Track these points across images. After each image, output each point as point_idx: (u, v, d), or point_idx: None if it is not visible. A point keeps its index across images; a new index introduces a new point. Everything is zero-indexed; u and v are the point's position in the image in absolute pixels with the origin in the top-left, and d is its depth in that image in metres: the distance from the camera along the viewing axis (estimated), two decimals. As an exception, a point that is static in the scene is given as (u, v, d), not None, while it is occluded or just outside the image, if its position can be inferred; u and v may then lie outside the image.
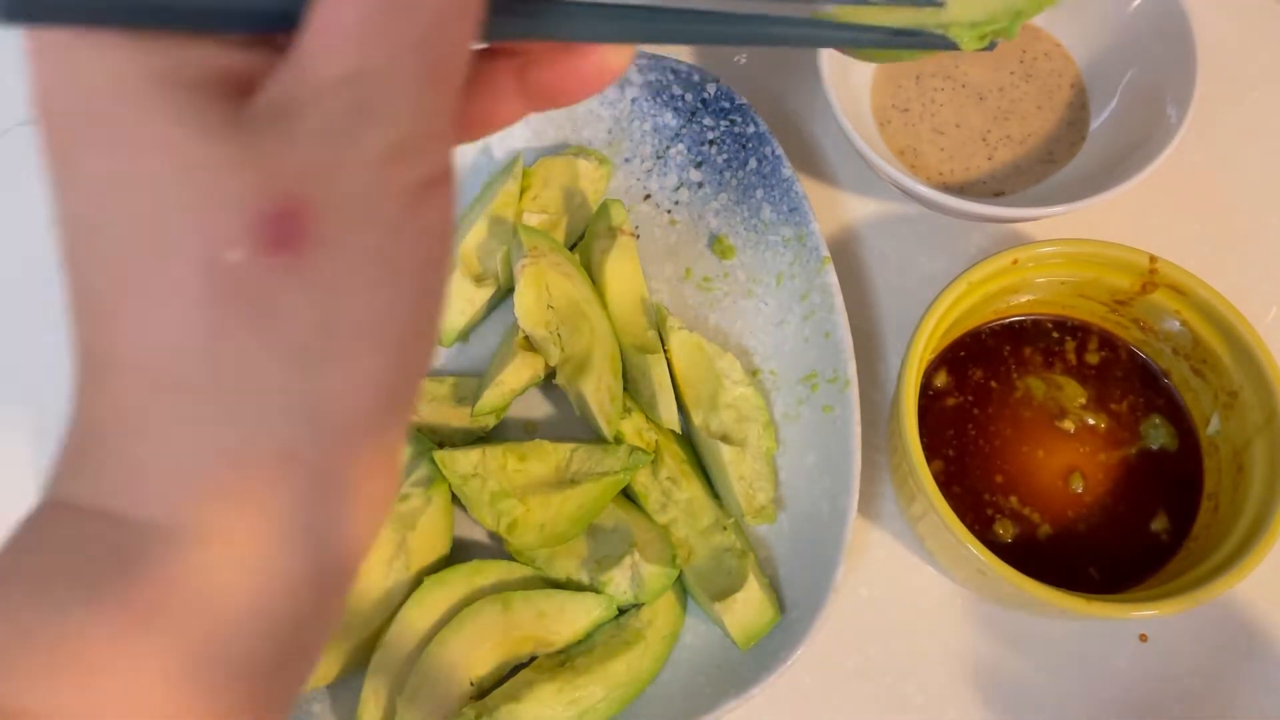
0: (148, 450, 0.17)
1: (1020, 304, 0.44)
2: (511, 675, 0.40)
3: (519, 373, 0.43)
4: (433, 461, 0.42)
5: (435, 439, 0.44)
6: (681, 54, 0.50)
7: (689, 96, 0.48)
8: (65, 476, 0.18)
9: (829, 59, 0.45)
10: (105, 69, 0.16)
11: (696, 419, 0.44)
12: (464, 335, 0.47)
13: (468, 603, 0.41)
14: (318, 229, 0.16)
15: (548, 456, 0.43)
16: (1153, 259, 0.40)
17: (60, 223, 0.18)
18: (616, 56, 0.21)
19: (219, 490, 0.17)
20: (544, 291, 0.44)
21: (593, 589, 0.41)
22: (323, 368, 0.17)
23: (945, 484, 0.42)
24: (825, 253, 0.44)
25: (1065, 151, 0.48)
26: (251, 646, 0.17)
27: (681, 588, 0.43)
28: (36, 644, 0.16)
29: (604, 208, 0.47)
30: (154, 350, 0.16)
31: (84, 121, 0.16)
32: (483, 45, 0.20)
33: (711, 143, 0.48)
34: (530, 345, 0.44)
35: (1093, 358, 0.44)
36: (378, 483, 0.18)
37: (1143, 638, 0.43)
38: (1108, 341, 0.44)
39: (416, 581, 0.41)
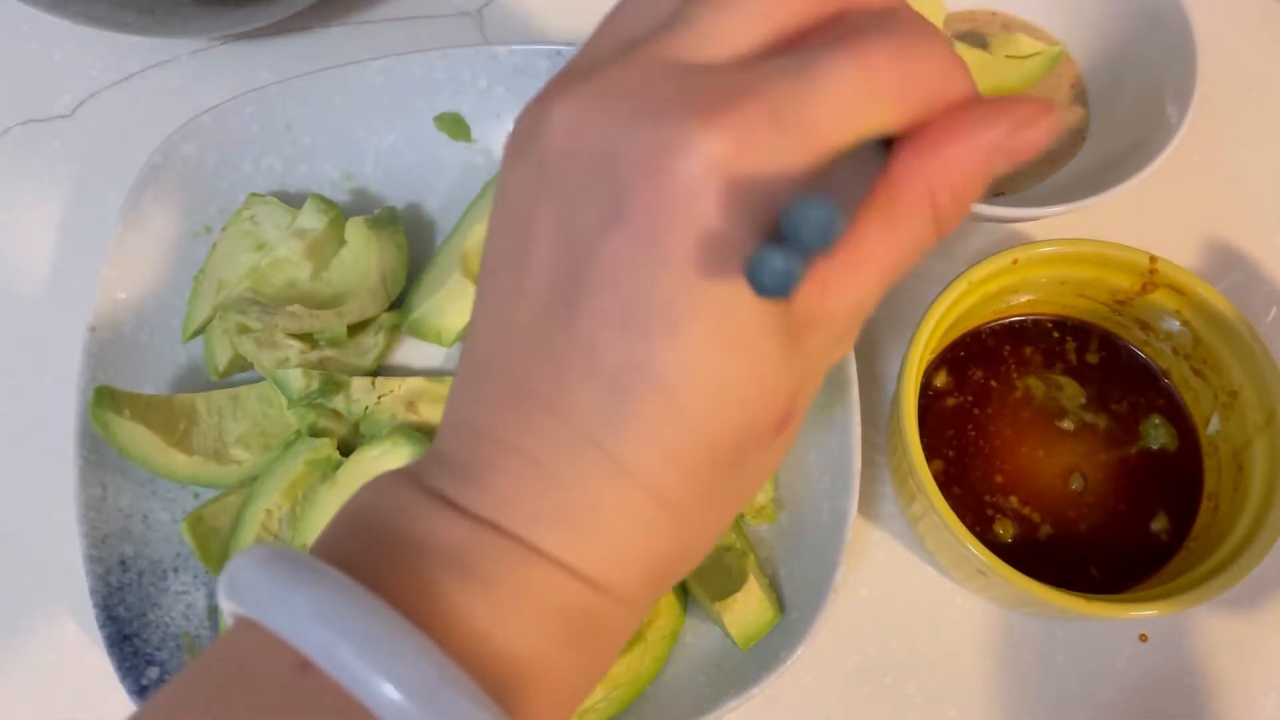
0: (631, 545, 0.21)
1: (1020, 304, 0.44)
2: (511, 675, 0.40)
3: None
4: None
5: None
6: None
7: (689, 96, 0.48)
8: (526, 513, 0.21)
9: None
10: (619, 121, 0.20)
11: (696, 419, 0.44)
12: (464, 335, 0.47)
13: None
14: (793, 425, 0.22)
15: (548, 456, 0.43)
16: (1153, 259, 0.40)
17: (644, 357, 0.20)
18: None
19: (656, 588, 0.23)
20: (544, 291, 0.44)
21: (593, 589, 0.41)
22: (733, 504, 0.23)
23: (945, 484, 0.42)
24: (825, 253, 0.44)
25: (1065, 152, 0.48)
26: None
27: (681, 588, 0.43)
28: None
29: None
30: (669, 482, 0.21)
31: (598, 169, 0.20)
32: None
33: (711, 143, 0.48)
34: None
35: (1093, 357, 0.44)
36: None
37: (1143, 638, 0.43)
38: (1108, 341, 0.44)
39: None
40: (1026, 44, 0.48)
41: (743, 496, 0.23)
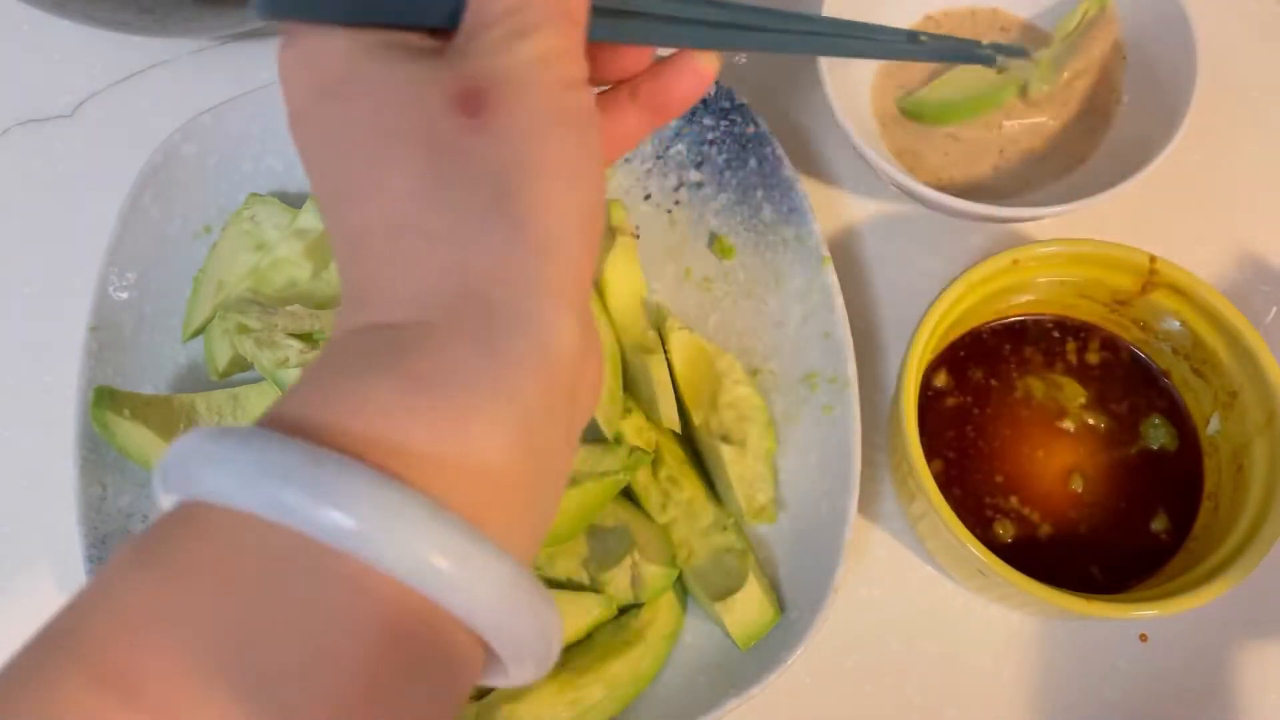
0: (397, 274, 0.22)
1: (1020, 304, 0.44)
2: (511, 675, 0.40)
3: None
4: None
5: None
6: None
7: (689, 96, 0.48)
8: (342, 320, 0.23)
9: (829, 60, 0.45)
10: (340, 42, 0.23)
11: (696, 419, 0.44)
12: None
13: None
14: (494, 101, 0.22)
15: (548, 456, 0.43)
16: (1153, 259, 0.40)
17: (306, 148, 0.24)
18: (706, 61, 0.29)
19: (453, 293, 0.22)
20: (544, 291, 0.44)
21: (593, 589, 0.41)
22: (517, 195, 0.22)
23: (945, 484, 0.42)
24: (825, 253, 0.44)
25: (1076, 162, 0.48)
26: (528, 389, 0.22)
27: (681, 588, 0.43)
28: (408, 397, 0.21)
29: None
30: (395, 205, 0.22)
31: (320, 74, 0.23)
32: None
33: (711, 143, 0.48)
34: None
35: (1093, 358, 0.44)
36: (579, 295, 0.23)
37: (1143, 638, 0.43)
38: (1108, 341, 0.44)
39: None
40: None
41: (496, 182, 0.22)
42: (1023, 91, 0.47)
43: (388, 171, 0.22)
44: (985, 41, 0.41)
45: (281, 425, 0.20)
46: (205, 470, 0.19)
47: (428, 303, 0.22)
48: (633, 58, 0.29)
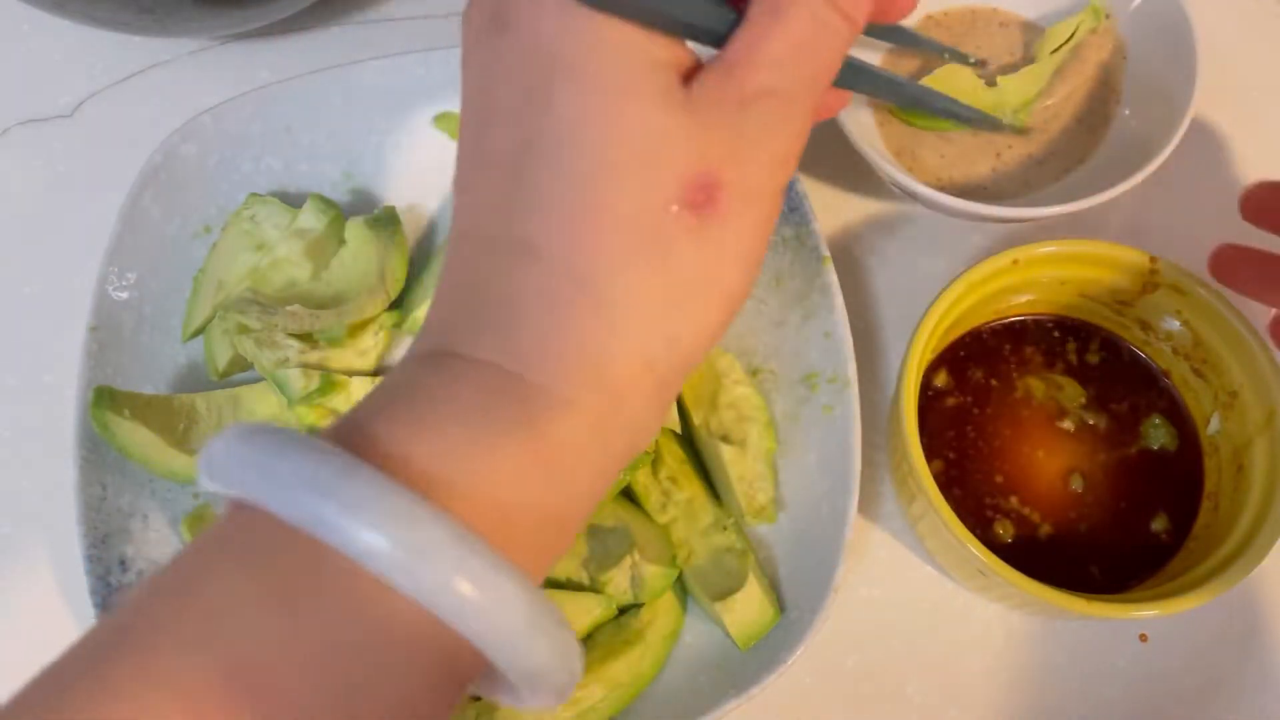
0: (550, 328, 0.21)
1: (1020, 304, 0.44)
2: (511, 675, 0.40)
3: None
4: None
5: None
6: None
7: (689, 96, 0.48)
8: (462, 332, 0.22)
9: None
10: (623, 39, 0.21)
11: (696, 419, 0.44)
12: None
13: (468, 603, 0.41)
14: (724, 204, 0.21)
15: (548, 456, 0.43)
16: (1153, 259, 0.40)
17: (535, 133, 0.22)
18: None
19: (595, 381, 0.21)
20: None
21: (593, 589, 0.41)
22: (688, 308, 0.22)
23: (945, 484, 0.42)
24: (825, 253, 0.44)
25: (1075, 162, 0.47)
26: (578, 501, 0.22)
27: (681, 588, 0.43)
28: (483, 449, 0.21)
29: (604, 208, 0.47)
30: (577, 255, 0.21)
31: (595, 70, 0.21)
32: None
33: (711, 143, 0.48)
34: None
35: (1093, 358, 0.44)
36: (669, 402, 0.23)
37: (1143, 638, 0.43)
38: (1108, 341, 0.44)
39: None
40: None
41: (681, 289, 0.22)
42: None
43: (592, 210, 0.21)
44: (965, 103, 0.40)
45: (360, 437, 0.20)
46: (260, 478, 0.20)
47: (567, 373, 0.21)
48: None
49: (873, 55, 0.49)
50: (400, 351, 0.47)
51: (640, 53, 0.22)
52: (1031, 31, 0.49)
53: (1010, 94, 0.47)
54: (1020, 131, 0.47)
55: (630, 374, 0.22)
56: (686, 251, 0.21)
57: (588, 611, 0.41)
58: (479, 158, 0.23)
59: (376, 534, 0.18)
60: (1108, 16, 0.47)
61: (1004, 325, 0.44)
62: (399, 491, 0.19)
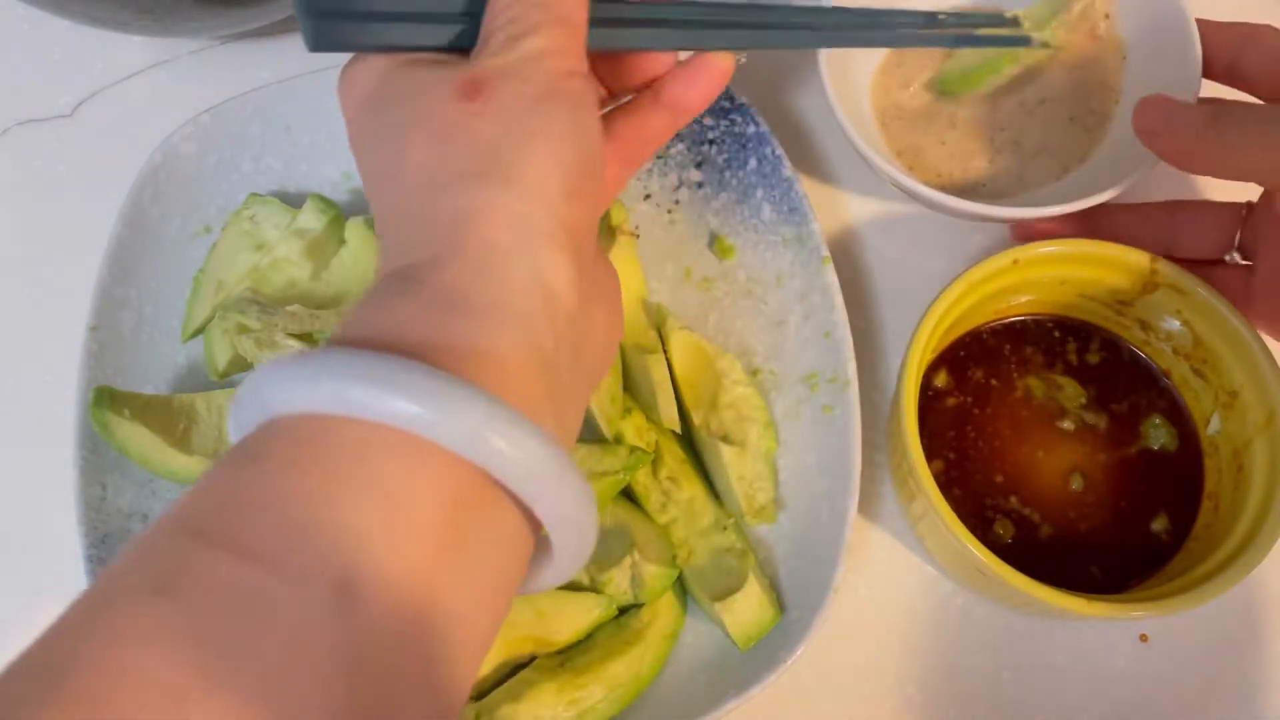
0: (413, 228, 0.26)
1: (1020, 304, 0.44)
2: (511, 675, 0.40)
3: None
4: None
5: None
6: (680, 54, 0.50)
7: (689, 96, 0.48)
8: (376, 277, 0.26)
9: (828, 59, 0.45)
10: (379, 63, 0.29)
11: (696, 419, 0.44)
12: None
13: (468, 603, 0.41)
14: (491, 88, 0.26)
15: (548, 456, 0.43)
16: (1153, 259, 0.40)
17: (356, 150, 0.29)
18: (722, 60, 0.32)
19: (456, 231, 0.25)
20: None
21: (593, 589, 0.41)
22: (508, 156, 0.26)
23: (945, 484, 0.42)
24: (825, 253, 0.44)
25: (1075, 162, 0.47)
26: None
27: (681, 588, 0.43)
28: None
29: (604, 208, 0.47)
30: (414, 178, 0.26)
31: (362, 89, 0.28)
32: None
33: (711, 142, 0.48)
34: None
35: (1093, 358, 0.44)
36: (569, 240, 0.26)
37: (1143, 638, 0.43)
38: (1108, 342, 0.44)
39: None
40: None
41: (503, 141, 0.26)
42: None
43: (409, 153, 0.27)
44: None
45: (338, 345, 0.23)
46: (284, 386, 0.22)
47: (436, 243, 0.25)
48: (655, 64, 0.32)
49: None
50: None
51: (396, 64, 0.28)
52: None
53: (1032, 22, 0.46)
54: (1048, 45, 0.46)
55: (485, 229, 0.25)
56: (483, 126, 0.26)
57: (588, 611, 0.41)
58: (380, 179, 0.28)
59: (410, 403, 0.21)
60: (1107, 16, 0.47)
61: (1004, 325, 0.44)
62: (417, 367, 0.22)
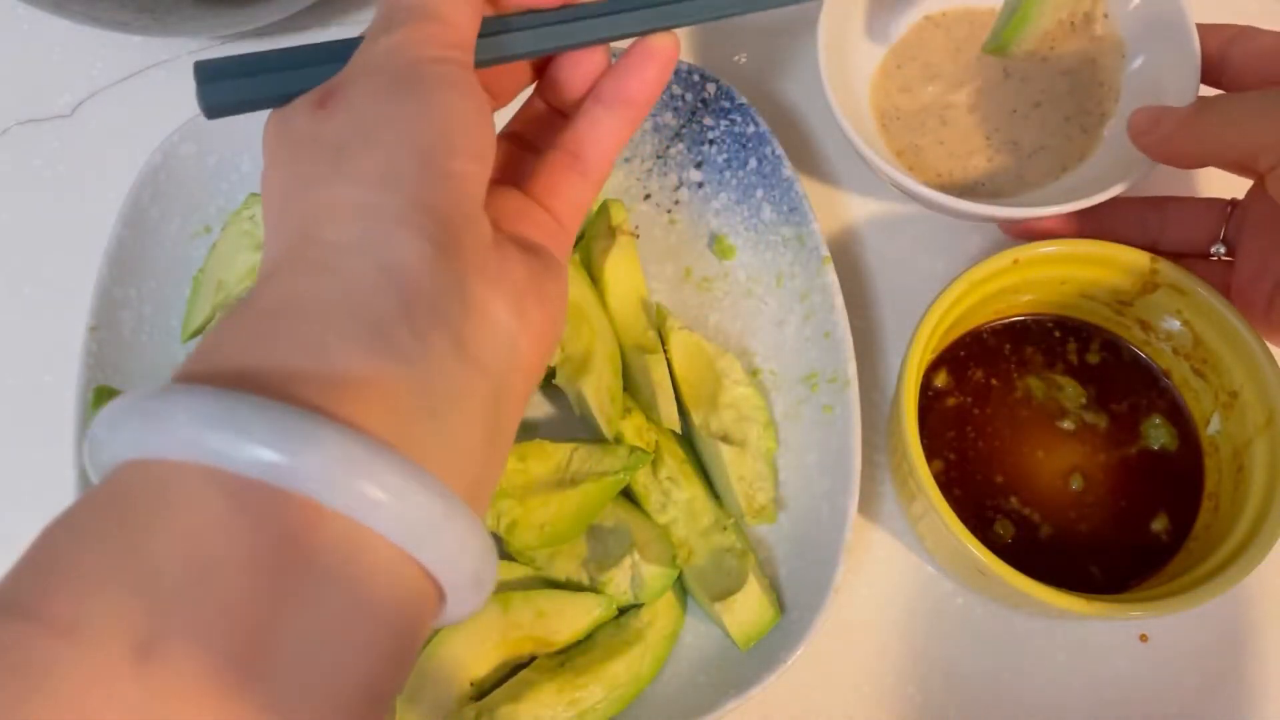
0: (266, 255, 0.26)
1: (1021, 304, 0.44)
2: (511, 675, 0.40)
3: None
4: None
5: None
6: (682, 54, 0.50)
7: (689, 96, 0.48)
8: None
9: (828, 58, 0.45)
10: (267, 122, 0.28)
11: (696, 419, 0.44)
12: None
13: (468, 603, 0.41)
14: (339, 90, 0.27)
15: (547, 456, 0.43)
16: (1153, 259, 0.40)
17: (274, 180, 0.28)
18: (660, 43, 0.30)
19: (297, 241, 0.25)
20: (544, 291, 0.44)
21: (593, 589, 0.41)
22: (352, 150, 0.25)
23: (945, 484, 0.42)
24: (825, 253, 0.44)
25: (1074, 161, 0.47)
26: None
27: (681, 588, 0.43)
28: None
29: (604, 207, 0.47)
30: (272, 206, 0.27)
31: (264, 148, 0.28)
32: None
33: (711, 143, 0.48)
34: None
35: (1094, 358, 0.44)
36: (427, 221, 0.25)
37: (1143, 638, 0.43)
38: (1109, 342, 0.44)
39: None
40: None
41: (357, 140, 0.26)
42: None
43: (269, 182, 0.27)
44: None
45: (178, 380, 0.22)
46: (137, 430, 0.21)
47: (278, 256, 0.25)
48: (586, 65, 0.31)
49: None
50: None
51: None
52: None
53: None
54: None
55: (322, 229, 0.25)
56: (330, 127, 0.26)
57: (588, 611, 0.41)
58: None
59: (268, 450, 0.20)
60: (1106, 16, 0.47)
61: (1004, 325, 0.44)
62: (287, 410, 0.21)
